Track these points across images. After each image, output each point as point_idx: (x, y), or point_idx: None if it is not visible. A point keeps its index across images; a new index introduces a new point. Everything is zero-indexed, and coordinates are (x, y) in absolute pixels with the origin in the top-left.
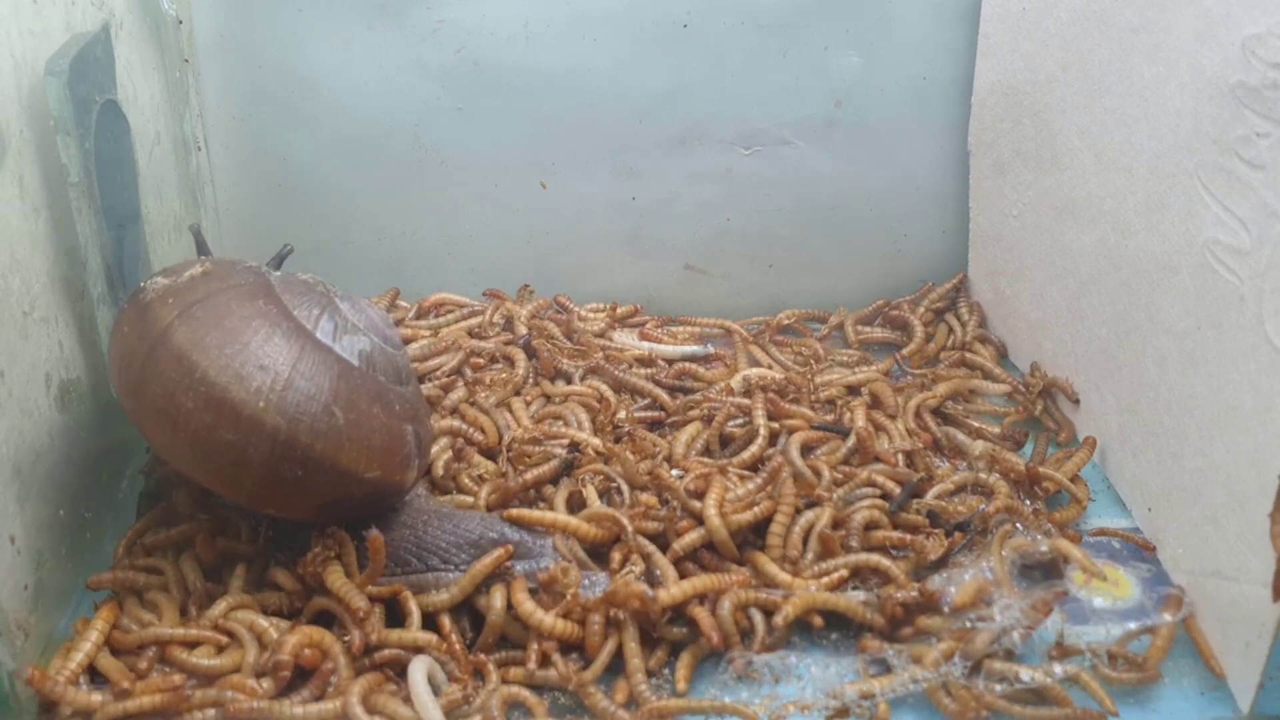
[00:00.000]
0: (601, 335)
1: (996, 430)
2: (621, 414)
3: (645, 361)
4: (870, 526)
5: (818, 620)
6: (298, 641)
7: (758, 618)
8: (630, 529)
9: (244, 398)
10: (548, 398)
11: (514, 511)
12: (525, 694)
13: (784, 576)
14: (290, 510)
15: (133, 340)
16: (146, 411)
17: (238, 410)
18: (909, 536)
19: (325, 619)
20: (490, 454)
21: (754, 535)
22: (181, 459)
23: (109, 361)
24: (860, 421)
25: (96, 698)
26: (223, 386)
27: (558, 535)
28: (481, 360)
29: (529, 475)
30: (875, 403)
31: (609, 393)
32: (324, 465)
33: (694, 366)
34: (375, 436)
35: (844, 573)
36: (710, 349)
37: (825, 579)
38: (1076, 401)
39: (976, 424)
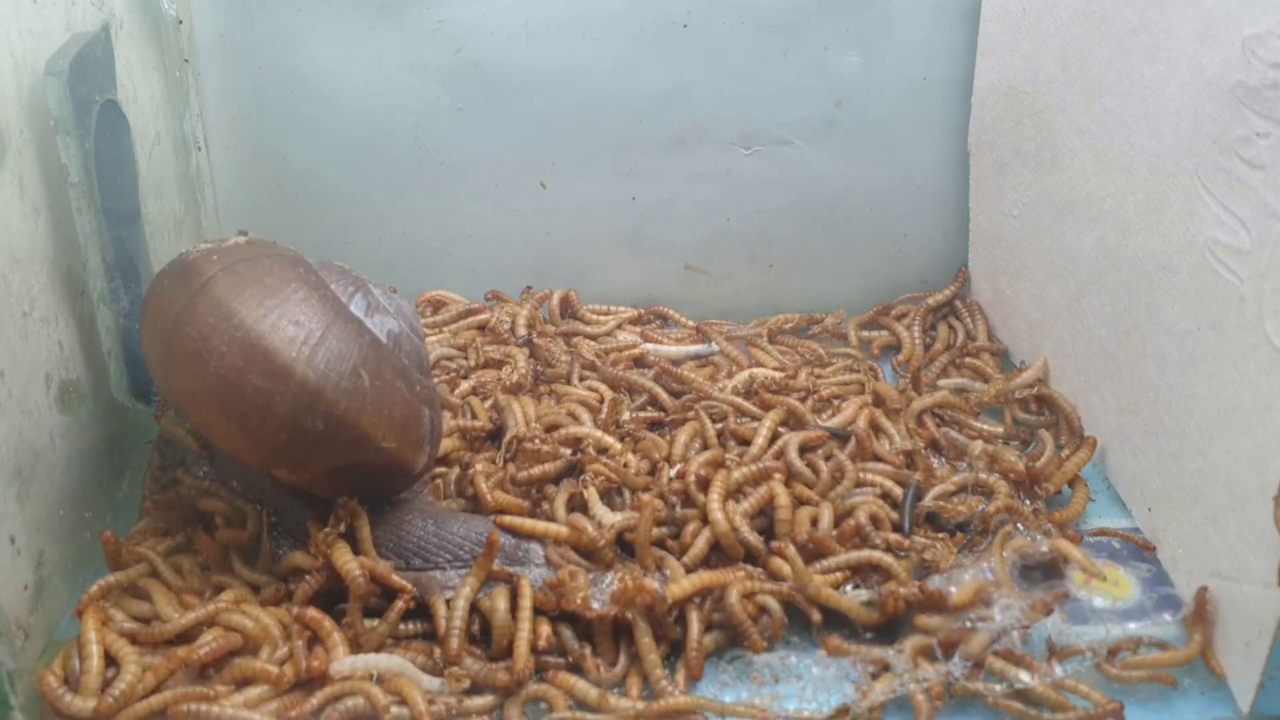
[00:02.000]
0: (608, 336)
1: (999, 430)
2: (625, 415)
3: (640, 361)
4: (874, 523)
5: (816, 617)
6: (313, 614)
7: (773, 606)
8: (602, 538)
9: (278, 346)
10: (555, 395)
11: (507, 519)
12: (553, 692)
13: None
14: (302, 470)
15: (172, 291)
16: (177, 356)
17: (271, 357)
18: (910, 540)
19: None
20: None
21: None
22: (205, 405)
23: (141, 314)
24: (861, 423)
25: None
26: (259, 334)
27: (550, 544)
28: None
29: (534, 471)
30: (877, 401)
31: (609, 393)
32: (345, 424)
33: (670, 366)
34: (396, 408)
35: (847, 572)
36: (714, 348)
37: (826, 578)
38: (1081, 434)
39: (979, 424)
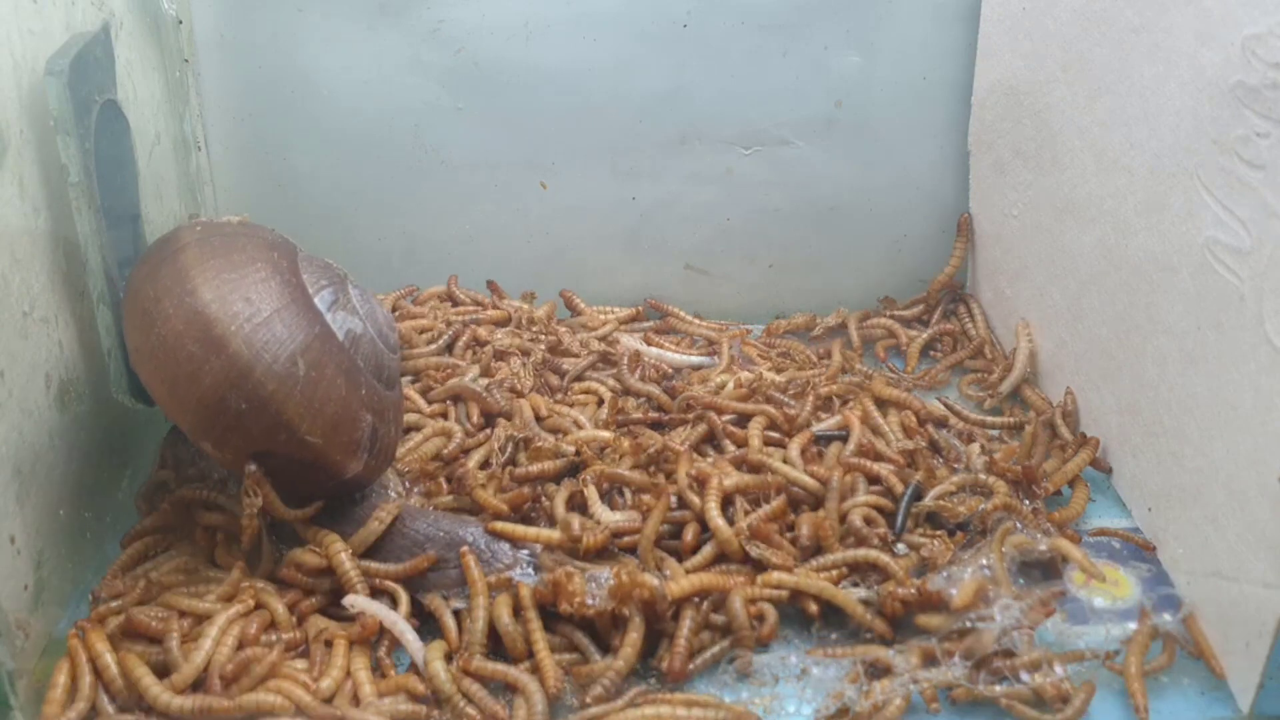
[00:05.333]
0: (606, 338)
1: (1001, 419)
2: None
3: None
4: (868, 523)
5: (813, 608)
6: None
7: (769, 613)
8: (589, 540)
9: (218, 317)
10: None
11: (498, 525)
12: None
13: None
14: (225, 446)
15: (150, 253)
16: (134, 312)
17: (210, 326)
18: (898, 538)
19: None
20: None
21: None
22: (147, 364)
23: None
24: (856, 430)
25: None
26: (205, 302)
27: (543, 549)
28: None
29: (533, 468)
30: (878, 402)
31: (606, 393)
32: (269, 408)
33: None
34: (329, 404)
35: (844, 569)
36: (716, 361)
37: (823, 575)
38: (1109, 471)
39: (978, 417)
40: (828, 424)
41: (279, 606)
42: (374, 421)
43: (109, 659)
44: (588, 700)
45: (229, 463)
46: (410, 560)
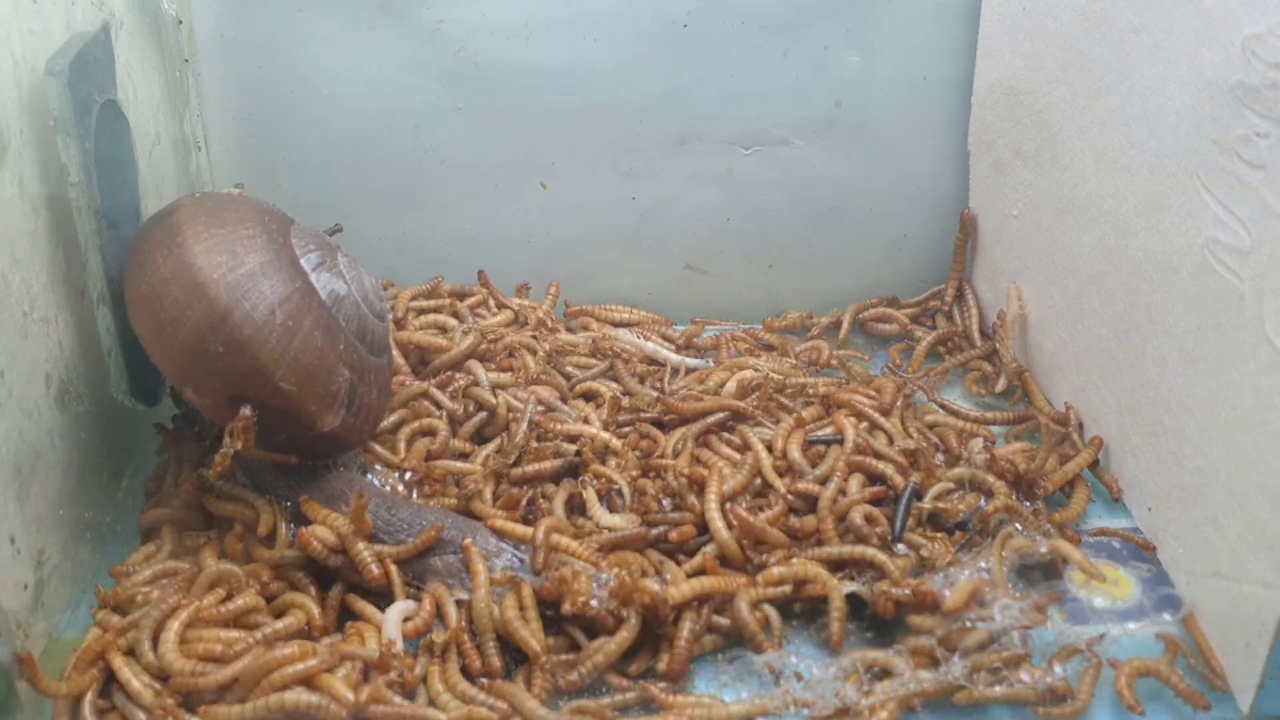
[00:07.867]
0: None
1: (1004, 415)
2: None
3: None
4: (869, 520)
5: (818, 590)
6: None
7: (773, 615)
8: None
9: (202, 266)
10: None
11: (497, 524)
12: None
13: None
14: (204, 391)
15: (153, 215)
16: (131, 265)
17: (194, 274)
18: (897, 544)
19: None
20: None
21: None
22: (137, 311)
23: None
24: (850, 434)
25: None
26: (193, 254)
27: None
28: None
29: (528, 468)
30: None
31: (607, 393)
32: (245, 351)
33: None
34: (305, 354)
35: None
36: (710, 364)
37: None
38: (1119, 497)
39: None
40: (825, 431)
41: (314, 607)
42: (353, 379)
43: (120, 662)
44: (560, 684)
45: (210, 410)
46: (417, 539)
